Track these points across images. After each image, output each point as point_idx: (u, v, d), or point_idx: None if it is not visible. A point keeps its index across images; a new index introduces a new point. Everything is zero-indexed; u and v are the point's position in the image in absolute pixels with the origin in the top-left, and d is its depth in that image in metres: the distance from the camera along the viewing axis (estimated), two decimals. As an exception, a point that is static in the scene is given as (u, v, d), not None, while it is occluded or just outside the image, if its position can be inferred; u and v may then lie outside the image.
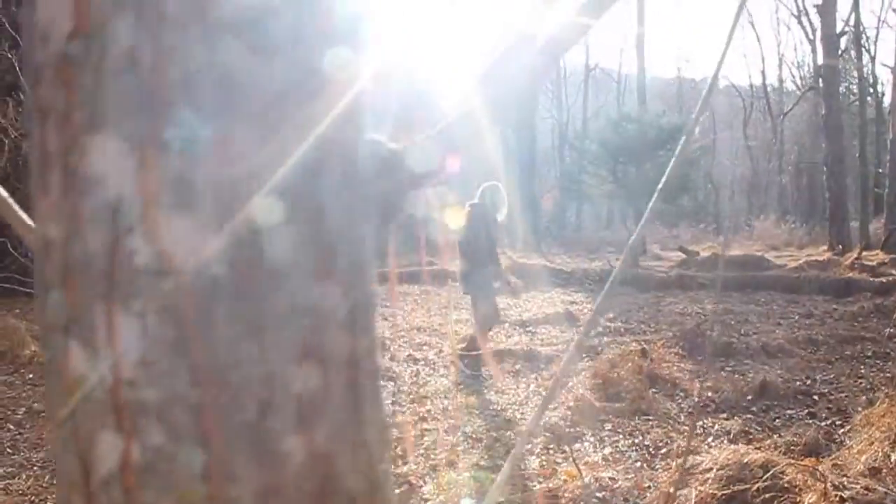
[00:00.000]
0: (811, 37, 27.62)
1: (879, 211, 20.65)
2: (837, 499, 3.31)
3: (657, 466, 4.42)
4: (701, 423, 5.20)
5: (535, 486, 4.14)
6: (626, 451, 4.74)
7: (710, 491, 3.45)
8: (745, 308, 9.78)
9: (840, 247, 16.50)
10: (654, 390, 5.81)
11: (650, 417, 5.30)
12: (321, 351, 0.44)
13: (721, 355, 6.96)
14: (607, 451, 4.74)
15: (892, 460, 3.88)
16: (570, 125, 33.38)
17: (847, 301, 10.05)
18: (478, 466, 4.49)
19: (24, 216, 0.62)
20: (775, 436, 4.84)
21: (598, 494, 3.94)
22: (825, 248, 17.43)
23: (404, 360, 7.31)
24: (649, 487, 4.05)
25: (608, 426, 5.16)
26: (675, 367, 6.38)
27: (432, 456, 4.67)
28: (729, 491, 3.43)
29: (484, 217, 6.27)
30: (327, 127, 0.43)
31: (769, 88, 37.37)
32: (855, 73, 25.96)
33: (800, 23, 30.02)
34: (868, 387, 6.00)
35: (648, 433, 4.99)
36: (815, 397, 5.81)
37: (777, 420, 5.29)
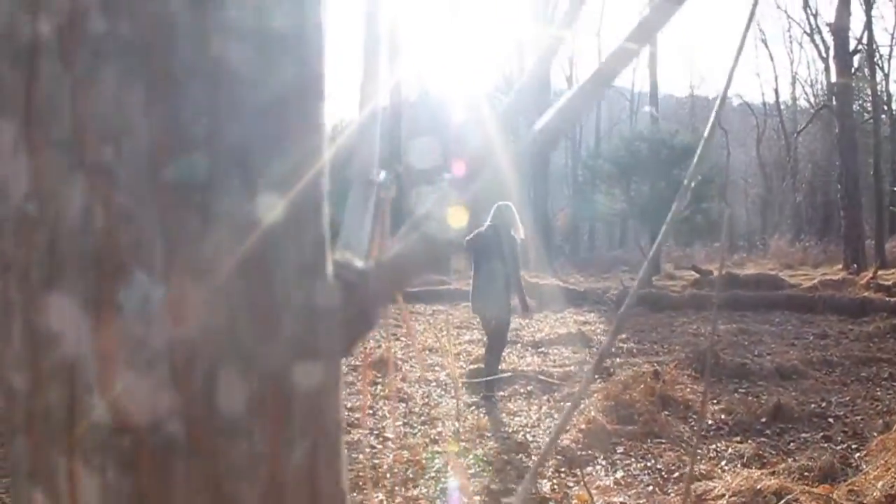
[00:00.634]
0: (824, 55, 27.63)
1: (895, 229, 20.51)
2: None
3: (670, 491, 4.38)
4: (714, 446, 5.15)
5: (546, 510, 4.11)
6: (639, 474, 4.70)
7: (723, 517, 3.42)
8: (760, 328, 9.71)
9: (855, 265, 16.39)
10: (666, 412, 5.77)
11: (663, 440, 5.26)
12: (282, 500, 0.45)
13: (734, 377, 6.90)
14: (619, 474, 4.70)
15: (908, 486, 3.82)
16: (583, 144, 33.43)
17: (863, 321, 9.96)
18: (489, 490, 4.47)
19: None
20: (790, 460, 4.78)
21: (609, 519, 3.91)
22: (840, 266, 17.32)
23: (416, 382, 7.30)
24: (662, 512, 4.02)
25: (620, 449, 5.12)
26: (687, 389, 6.34)
27: (443, 479, 4.65)
28: (742, 517, 3.39)
29: (497, 236, 6.24)
30: (283, 284, 0.44)
31: (782, 106, 37.31)
32: (869, 91, 25.88)
33: (812, 41, 30.04)
34: (885, 409, 5.93)
35: (661, 456, 4.94)
36: (831, 420, 5.75)
37: (791, 443, 5.23)
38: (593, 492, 4.07)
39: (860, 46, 22.25)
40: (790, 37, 48.88)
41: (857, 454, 4.88)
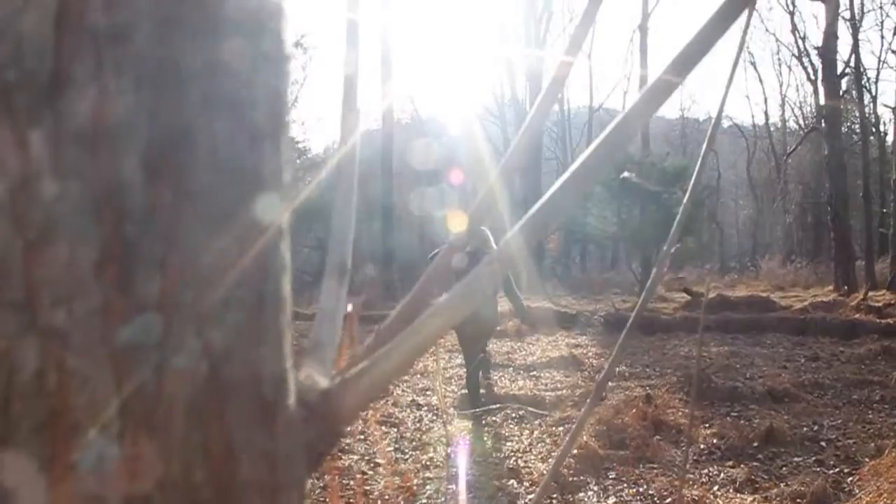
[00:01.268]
0: (812, 77, 27.85)
1: (885, 250, 20.62)
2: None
3: (662, 517, 4.36)
4: (706, 470, 5.14)
5: (537, 538, 4.07)
6: (630, 500, 4.68)
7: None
8: (751, 350, 9.72)
9: (846, 287, 16.45)
10: (658, 437, 5.75)
11: (655, 465, 5.24)
12: None
13: (726, 400, 6.89)
14: (611, 500, 4.68)
15: (900, 511, 3.81)
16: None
17: (854, 343, 9.97)
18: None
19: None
20: (782, 484, 4.77)
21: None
22: (831, 287, 17.37)
23: (407, 406, 7.27)
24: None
25: (612, 474, 5.10)
26: (679, 413, 6.32)
27: (434, 506, 4.62)
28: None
29: (476, 257, 6.28)
30: (241, 429, 0.44)
31: (772, 128, 37.59)
32: (857, 114, 26.10)
33: (801, 64, 30.29)
34: (876, 433, 5.93)
35: (653, 482, 4.92)
36: (823, 444, 5.74)
37: (784, 468, 5.22)
38: (585, 518, 4.05)
39: (848, 69, 22.46)
40: (779, 59, 49.37)
41: (850, 478, 4.87)
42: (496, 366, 8.70)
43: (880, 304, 13.11)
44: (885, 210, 22.84)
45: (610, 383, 7.78)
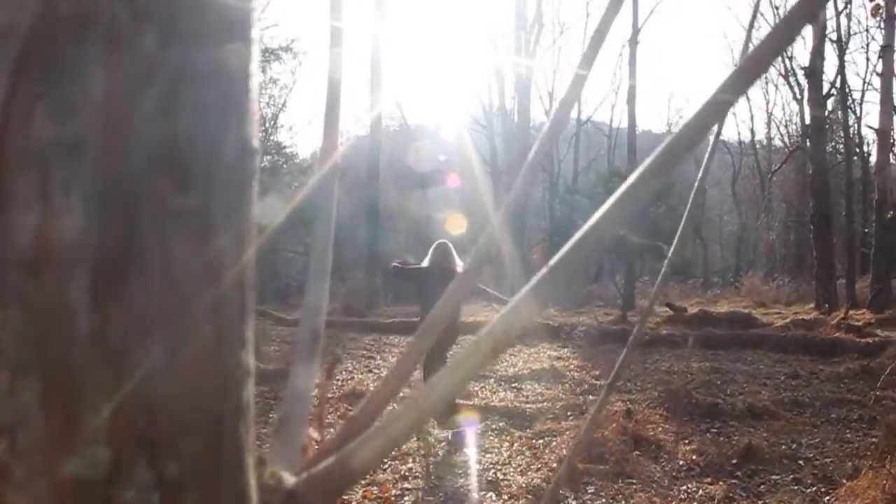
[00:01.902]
0: (798, 97, 28.10)
1: (866, 270, 20.77)
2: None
3: (640, 533, 4.36)
4: (685, 487, 5.14)
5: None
6: (609, 516, 4.67)
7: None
8: (732, 367, 9.76)
9: (827, 305, 16.57)
10: (637, 452, 5.75)
11: (633, 481, 5.24)
12: None
13: (706, 416, 6.91)
14: (590, 515, 4.67)
15: (876, 532, 3.83)
16: (561, 179, 33.62)
17: (833, 361, 10.03)
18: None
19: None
20: (760, 502, 4.79)
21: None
22: (812, 305, 17.49)
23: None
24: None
25: (591, 489, 5.09)
26: (659, 429, 6.33)
27: (412, 518, 4.59)
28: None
29: (441, 270, 6.68)
30: None
31: (758, 146, 37.85)
32: (841, 133, 26.33)
33: (787, 83, 30.58)
34: (854, 452, 5.96)
35: (632, 497, 4.92)
36: (801, 462, 5.76)
37: (762, 486, 5.23)
38: (563, 533, 4.04)
39: (833, 90, 22.67)
40: (766, 78, 49.67)
41: (827, 497, 4.89)
42: (477, 376, 8.69)
43: (860, 324, 13.21)
44: (866, 230, 23.03)
45: (591, 397, 7.79)
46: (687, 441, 6.08)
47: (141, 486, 0.39)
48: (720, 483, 5.17)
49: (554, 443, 6.09)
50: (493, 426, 6.75)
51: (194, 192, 0.41)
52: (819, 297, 17.34)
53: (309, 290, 0.60)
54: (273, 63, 26.89)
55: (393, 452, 5.95)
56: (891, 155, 21.95)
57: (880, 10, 13.28)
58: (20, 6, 0.37)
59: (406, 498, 4.97)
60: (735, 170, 36.58)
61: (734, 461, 5.64)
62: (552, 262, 0.47)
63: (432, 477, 5.37)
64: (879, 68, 18.07)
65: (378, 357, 10.98)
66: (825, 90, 19.60)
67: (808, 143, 20.44)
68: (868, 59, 31.21)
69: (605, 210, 0.45)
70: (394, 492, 5.05)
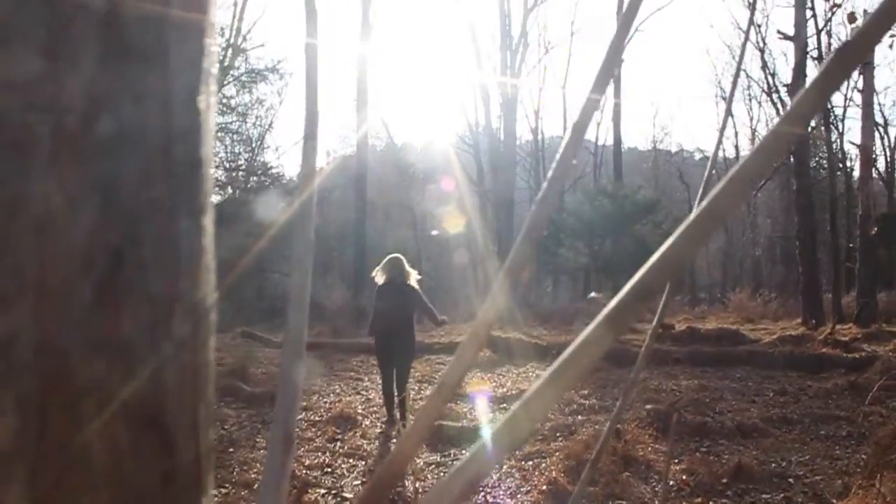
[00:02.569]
0: (782, 113, 28.26)
1: (851, 284, 20.89)
2: None
3: (630, 556, 4.32)
4: (675, 508, 5.12)
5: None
6: (600, 538, 4.64)
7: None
8: (721, 384, 9.75)
9: (814, 321, 16.63)
10: (627, 473, 5.72)
11: (624, 502, 5.21)
12: None
13: (696, 435, 6.90)
14: (580, 538, 4.63)
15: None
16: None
17: (821, 377, 10.04)
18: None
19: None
20: (750, 523, 4.77)
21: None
22: (799, 321, 17.55)
23: (375, 438, 7.19)
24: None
25: (581, 511, 5.05)
26: (649, 448, 6.31)
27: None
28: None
29: (394, 284, 7.46)
30: None
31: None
32: (825, 149, 26.56)
33: (770, 99, 30.82)
34: (843, 469, 5.95)
35: (622, 519, 4.89)
36: (791, 480, 5.75)
37: (752, 505, 5.22)
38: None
39: (816, 106, 22.82)
40: (749, 95, 50.19)
41: (817, 517, 4.88)
42: (464, 397, 8.64)
43: (847, 339, 13.25)
44: (851, 245, 23.19)
45: (580, 417, 7.76)
46: (677, 461, 6.06)
47: None
48: (711, 503, 5.15)
49: (543, 464, 6.06)
50: (483, 448, 6.69)
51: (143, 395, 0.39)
52: (806, 313, 17.40)
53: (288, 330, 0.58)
54: (259, 84, 26.92)
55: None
56: (873, 170, 22.18)
57: (856, 20, 13.42)
58: None
59: (395, 523, 4.91)
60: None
61: (724, 480, 5.62)
62: (613, 302, 0.42)
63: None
64: (860, 84, 18.28)
65: (366, 378, 10.91)
66: (808, 107, 19.77)
67: (791, 160, 20.60)
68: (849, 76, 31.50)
69: (671, 242, 0.41)
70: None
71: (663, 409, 7.41)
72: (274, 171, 30.61)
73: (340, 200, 28.53)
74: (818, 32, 22.45)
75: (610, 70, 0.60)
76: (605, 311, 0.40)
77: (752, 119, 61.38)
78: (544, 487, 5.32)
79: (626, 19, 0.58)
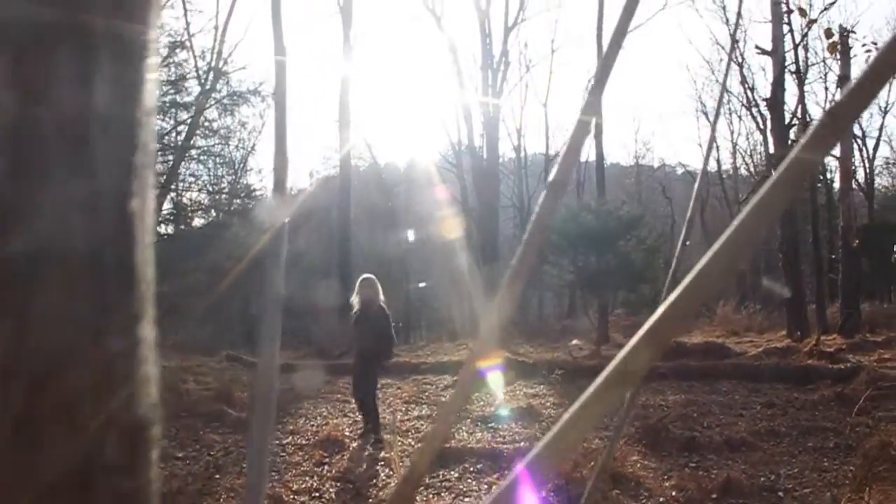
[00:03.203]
0: (762, 127, 28.61)
1: (835, 295, 21.02)
2: None
3: (622, 575, 4.29)
4: (666, 525, 5.09)
5: None
6: (590, 558, 4.60)
7: None
8: (708, 398, 9.74)
9: (798, 332, 16.68)
10: (617, 491, 5.70)
11: (614, 520, 5.18)
12: None
13: (684, 450, 6.88)
14: (571, 558, 4.60)
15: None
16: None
17: (808, 389, 10.06)
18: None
19: None
20: (741, 538, 4.75)
21: None
22: (784, 332, 17.60)
23: (363, 461, 7.13)
24: None
25: (571, 531, 5.02)
26: (638, 465, 6.29)
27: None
28: None
29: (366, 306, 8.00)
30: None
31: (724, 175, 38.39)
32: (805, 162, 26.68)
33: (750, 113, 31.11)
34: (832, 482, 5.95)
35: (613, 538, 4.86)
36: (780, 494, 5.74)
37: (742, 520, 5.20)
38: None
39: (795, 120, 23.09)
40: (730, 109, 50.65)
41: (807, 530, 4.86)
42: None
43: (832, 349, 13.31)
44: (833, 256, 23.37)
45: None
46: (666, 476, 6.04)
47: None
48: (701, 519, 5.13)
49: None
50: (471, 468, 6.66)
51: None
52: (791, 325, 17.47)
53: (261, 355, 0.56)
54: (241, 106, 26.86)
55: (370, 502, 5.85)
56: (853, 182, 22.39)
57: (837, 48, 13.59)
58: None
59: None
60: (703, 200, 37.04)
61: (714, 496, 5.61)
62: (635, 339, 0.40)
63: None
64: (838, 98, 18.40)
65: (353, 401, 10.82)
66: (787, 120, 19.94)
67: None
68: (826, 89, 31.91)
69: (696, 272, 0.40)
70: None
71: (651, 425, 7.39)
72: (257, 193, 30.50)
73: (324, 221, 28.45)
74: (795, 47, 22.69)
75: (600, 91, 0.59)
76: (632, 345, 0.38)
77: (732, 133, 61.91)
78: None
79: (615, 41, 0.56)
